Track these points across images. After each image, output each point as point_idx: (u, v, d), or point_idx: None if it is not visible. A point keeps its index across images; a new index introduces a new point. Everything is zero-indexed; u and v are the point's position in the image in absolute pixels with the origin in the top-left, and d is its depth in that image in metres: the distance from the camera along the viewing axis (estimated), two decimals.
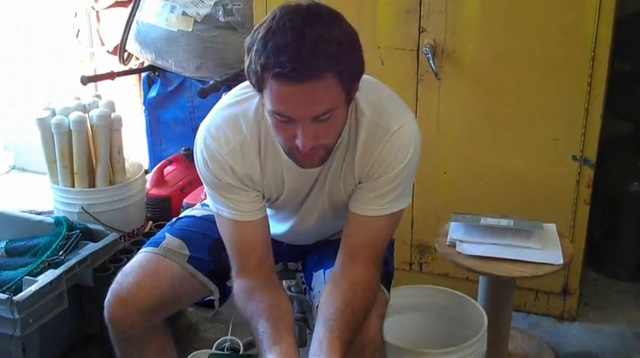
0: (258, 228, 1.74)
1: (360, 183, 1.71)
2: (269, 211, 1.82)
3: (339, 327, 1.57)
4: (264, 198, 1.76)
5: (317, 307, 1.70)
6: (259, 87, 1.50)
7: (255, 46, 1.46)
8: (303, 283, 2.01)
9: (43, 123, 2.74)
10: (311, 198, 1.80)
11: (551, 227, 2.43)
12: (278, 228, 1.91)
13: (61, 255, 2.41)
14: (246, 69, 1.51)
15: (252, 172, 1.70)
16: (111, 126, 2.77)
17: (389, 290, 1.86)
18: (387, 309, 1.79)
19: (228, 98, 1.73)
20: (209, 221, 1.92)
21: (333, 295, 1.64)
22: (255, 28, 1.50)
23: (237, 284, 1.73)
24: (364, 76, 1.65)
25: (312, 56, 1.41)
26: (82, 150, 2.73)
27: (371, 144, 1.66)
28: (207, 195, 1.77)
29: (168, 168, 3.27)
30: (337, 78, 1.45)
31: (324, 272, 1.86)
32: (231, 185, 1.69)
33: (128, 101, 3.77)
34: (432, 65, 2.54)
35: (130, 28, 3.39)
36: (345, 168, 1.71)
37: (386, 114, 1.66)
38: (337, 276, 1.70)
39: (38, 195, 3.73)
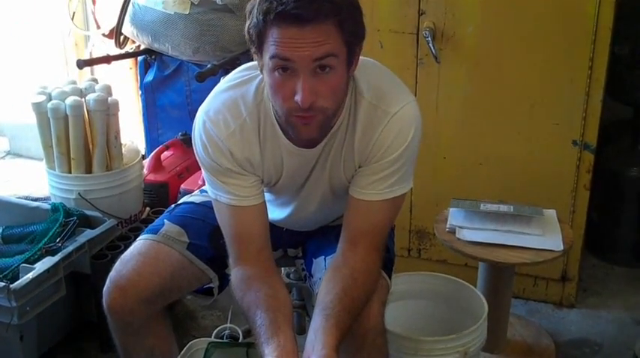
0: (257, 214, 1.72)
1: (360, 166, 1.70)
2: (268, 196, 1.81)
3: (336, 314, 1.56)
4: (262, 182, 1.75)
5: (317, 293, 1.69)
6: (260, 41, 1.49)
7: (257, 0, 1.48)
8: (303, 270, 2.00)
9: (38, 108, 2.72)
10: (311, 182, 1.78)
11: (551, 212, 2.42)
12: (278, 213, 1.90)
13: (58, 241, 2.40)
14: (247, 27, 1.51)
15: (252, 156, 1.68)
16: (108, 111, 2.75)
17: (390, 277, 1.85)
18: (388, 296, 1.78)
19: (226, 81, 1.72)
20: (208, 207, 1.90)
21: (333, 281, 1.63)
22: None
23: (235, 273, 1.72)
24: (365, 59, 1.64)
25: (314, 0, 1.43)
26: (78, 136, 2.71)
27: (370, 127, 1.65)
28: (206, 180, 1.76)
29: (166, 154, 3.26)
30: (338, 27, 1.47)
31: (324, 259, 1.85)
32: (230, 169, 1.67)
33: (124, 85, 3.74)
34: (432, 48, 2.52)
35: (126, 10, 3.35)
36: (345, 151, 1.69)
37: (386, 97, 1.64)
38: (338, 263, 1.69)
39: (34, 181, 3.72)
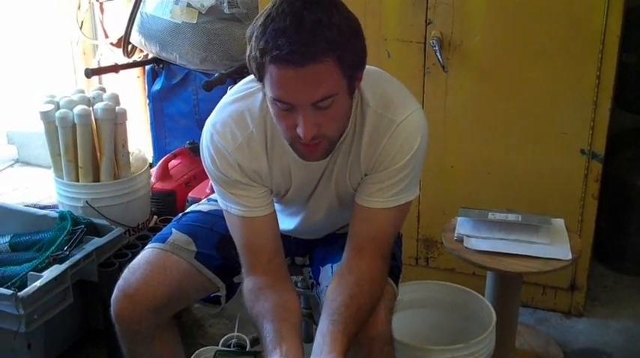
0: (267, 223, 1.72)
1: (366, 174, 1.70)
2: (277, 207, 1.81)
3: (343, 321, 1.56)
4: (272, 193, 1.75)
5: (323, 301, 1.68)
6: (260, 74, 1.49)
7: (255, 33, 1.46)
8: (310, 278, 2.00)
9: (46, 117, 2.72)
10: (318, 192, 1.78)
11: (559, 222, 2.41)
12: (287, 223, 1.90)
13: (66, 250, 2.40)
14: (247, 57, 1.50)
15: (260, 168, 1.68)
16: (115, 120, 2.75)
17: (397, 284, 1.84)
18: (395, 303, 1.78)
19: (232, 93, 1.72)
20: (216, 216, 1.91)
21: (339, 289, 1.63)
22: (256, 16, 1.49)
23: (246, 283, 1.72)
24: (370, 67, 1.63)
25: (310, 39, 1.40)
26: (86, 144, 2.71)
27: (376, 136, 1.64)
28: (216, 192, 1.76)
29: (173, 162, 3.26)
30: (337, 63, 1.44)
31: (331, 267, 1.85)
32: (238, 181, 1.67)
33: (132, 94, 3.75)
34: (439, 58, 2.51)
35: (134, 20, 3.37)
36: (351, 160, 1.69)
37: (391, 105, 1.64)
38: (344, 270, 1.69)
39: (42, 189, 3.73)
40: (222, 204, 1.74)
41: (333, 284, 1.66)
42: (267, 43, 1.42)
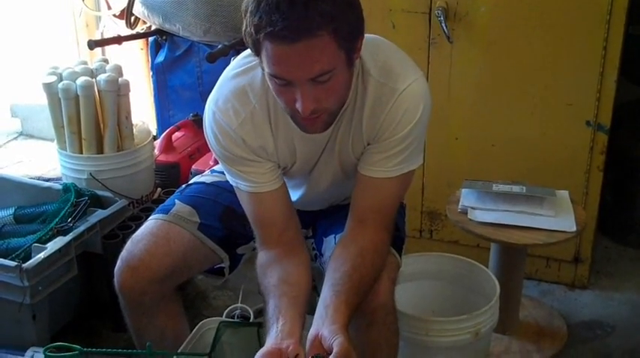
0: (277, 197, 1.72)
1: (368, 144, 1.69)
2: None
3: (346, 292, 1.56)
4: (279, 167, 1.74)
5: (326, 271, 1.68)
6: (256, 49, 1.47)
7: (249, 8, 1.43)
8: (313, 249, 2.00)
9: (49, 88, 2.71)
10: (322, 163, 1.77)
11: (564, 194, 2.41)
12: (291, 195, 1.89)
13: (70, 221, 2.40)
14: (243, 32, 1.48)
15: (266, 143, 1.67)
16: (118, 92, 2.73)
17: (400, 255, 1.84)
18: (398, 274, 1.78)
19: (232, 68, 1.69)
20: (219, 187, 1.90)
21: (341, 259, 1.63)
22: None
23: (259, 257, 1.73)
24: (372, 36, 1.62)
25: (304, 14, 1.37)
26: (89, 116, 2.70)
27: (378, 105, 1.63)
28: (224, 170, 1.76)
29: (177, 134, 3.25)
30: (333, 36, 1.41)
31: (334, 238, 1.85)
32: (244, 158, 1.67)
33: (135, 66, 3.73)
34: (444, 28, 2.49)
35: None
36: (354, 129, 1.68)
37: (393, 74, 1.62)
38: (346, 240, 1.69)
39: (46, 162, 3.73)
40: (231, 181, 1.74)
41: (336, 254, 1.66)
42: (260, 19, 1.39)
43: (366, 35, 1.55)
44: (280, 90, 1.50)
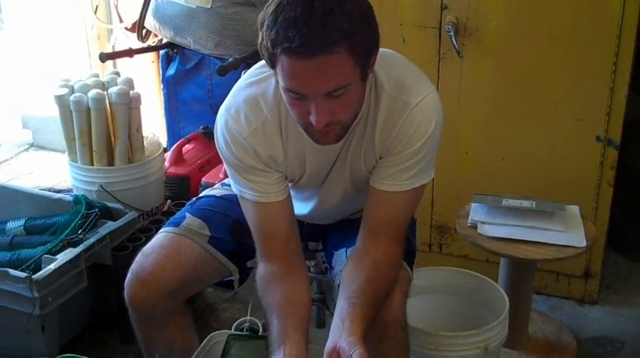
0: (282, 209, 1.72)
1: (380, 158, 1.69)
2: (291, 192, 1.80)
3: (361, 304, 1.56)
4: (286, 178, 1.74)
5: (338, 285, 1.68)
6: (272, 63, 1.48)
7: (266, 21, 1.44)
8: (323, 262, 2.00)
9: (61, 101, 2.73)
10: (333, 176, 1.78)
11: (574, 209, 2.40)
12: (301, 208, 1.89)
13: (80, 233, 2.41)
14: (259, 45, 1.48)
15: (276, 153, 1.68)
16: (130, 104, 2.75)
17: (412, 269, 1.84)
18: (409, 287, 1.78)
19: (246, 78, 1.71)
20: (229, 201, 1.91)
21: (356, 272, 1.63)
22: (268, 3, 1.47)
23: (260, 269, 1.73)
24: (385, 50, 1.62)
25: (321, 30, 1.38)
26: (100, 128, 2.72)
27: (391, 119, 1.63)
28: (230, 177, 1.76)
29: (187, 147, 3.26)
30: (349, 53, 1.42)
31: (345, 251, 1.85)
32: (254, 167, 1.67)
33: (146, 79, 3.75)
34: (455, 43, 2.50)
35: (148, 4, 3.36)
36: (366, 143, 1.68)
37: (406, 88, 1.63)
38: (359, 253, 1.69)
39: (57, 173, 3.74)
40: (235, 190, 1.74)
41: (350, 267, 1.66)
42: (277, 33, 1.40)
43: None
44: (294, 103, 1.51)
